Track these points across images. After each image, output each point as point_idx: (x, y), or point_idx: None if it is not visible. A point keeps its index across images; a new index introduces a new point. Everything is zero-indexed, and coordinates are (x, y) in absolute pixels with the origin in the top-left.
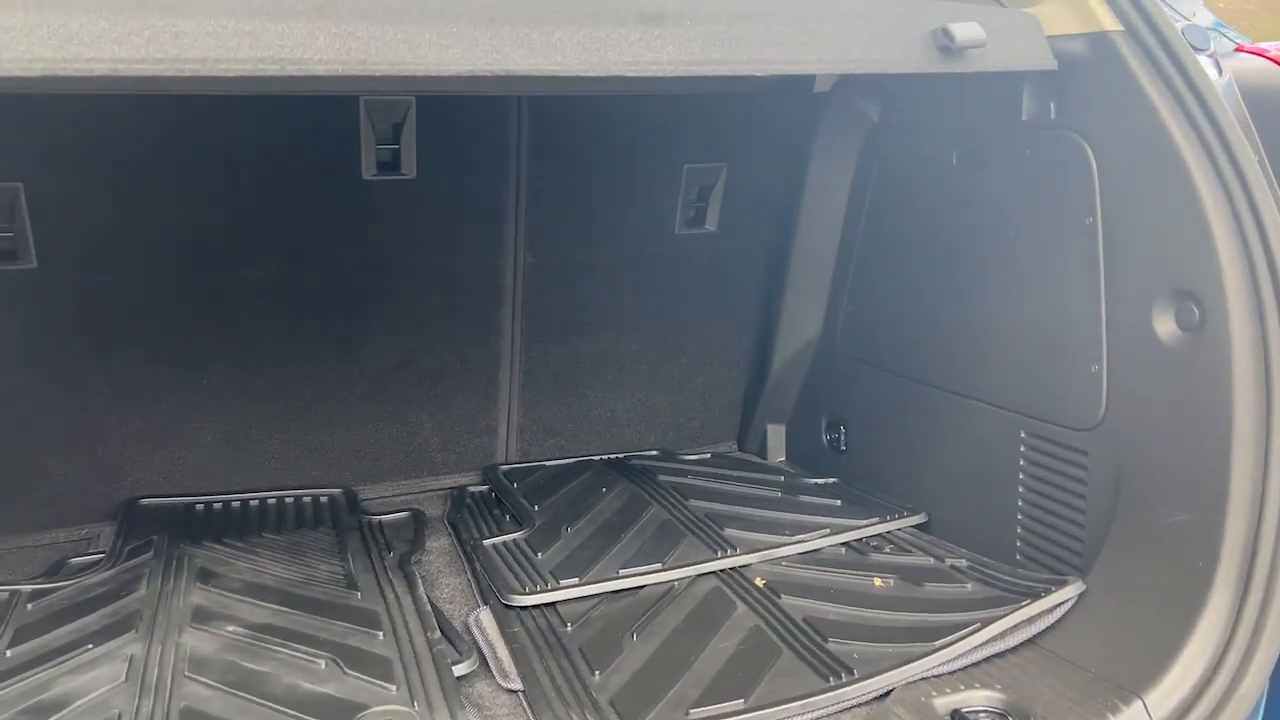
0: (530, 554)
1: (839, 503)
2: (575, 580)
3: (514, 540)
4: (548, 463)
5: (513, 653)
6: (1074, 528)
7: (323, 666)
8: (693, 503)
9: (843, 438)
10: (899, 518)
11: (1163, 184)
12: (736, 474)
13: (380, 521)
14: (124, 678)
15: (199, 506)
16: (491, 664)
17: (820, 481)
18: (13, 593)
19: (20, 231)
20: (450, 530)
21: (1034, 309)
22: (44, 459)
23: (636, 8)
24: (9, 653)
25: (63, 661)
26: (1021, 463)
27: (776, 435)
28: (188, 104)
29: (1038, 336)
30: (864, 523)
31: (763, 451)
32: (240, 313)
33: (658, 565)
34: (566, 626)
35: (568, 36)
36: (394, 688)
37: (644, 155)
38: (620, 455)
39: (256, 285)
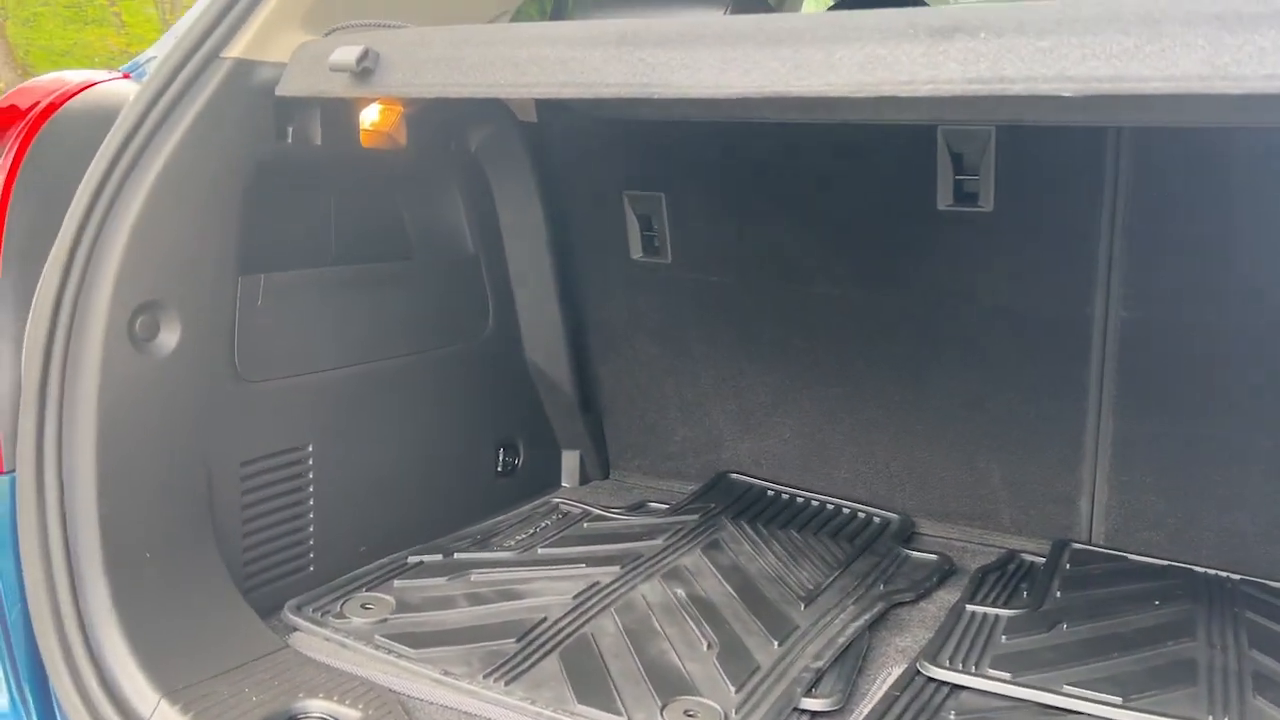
0: (994, 633)
1: None
2: (1006, 676)
3: (996, 614)
4: (1132, 556)
5: (877, 712)
6: None
7: (703, 648)
8: (1254, 654)
9: None
10: None
11: None
12: None
13: (904, 555)
14: (571, 597)
15: (770, 492)
16: (854, 714)
17: None
18: (585, 511)
19: (661, 232)
20: (966, 587)
21: None
22: (670, 422)
23: (933, 24)
24: (539, 551)
25: (552, 568)
26: None
27: None
28: (786, 133)
29: None
30: None
31: None
32: (818, 325)
33: (1116, 699)
34: (950, 714)
35: (848, 55)
36: (733, 689)
37: None
38: (1236, 576)
39: (833, 302)
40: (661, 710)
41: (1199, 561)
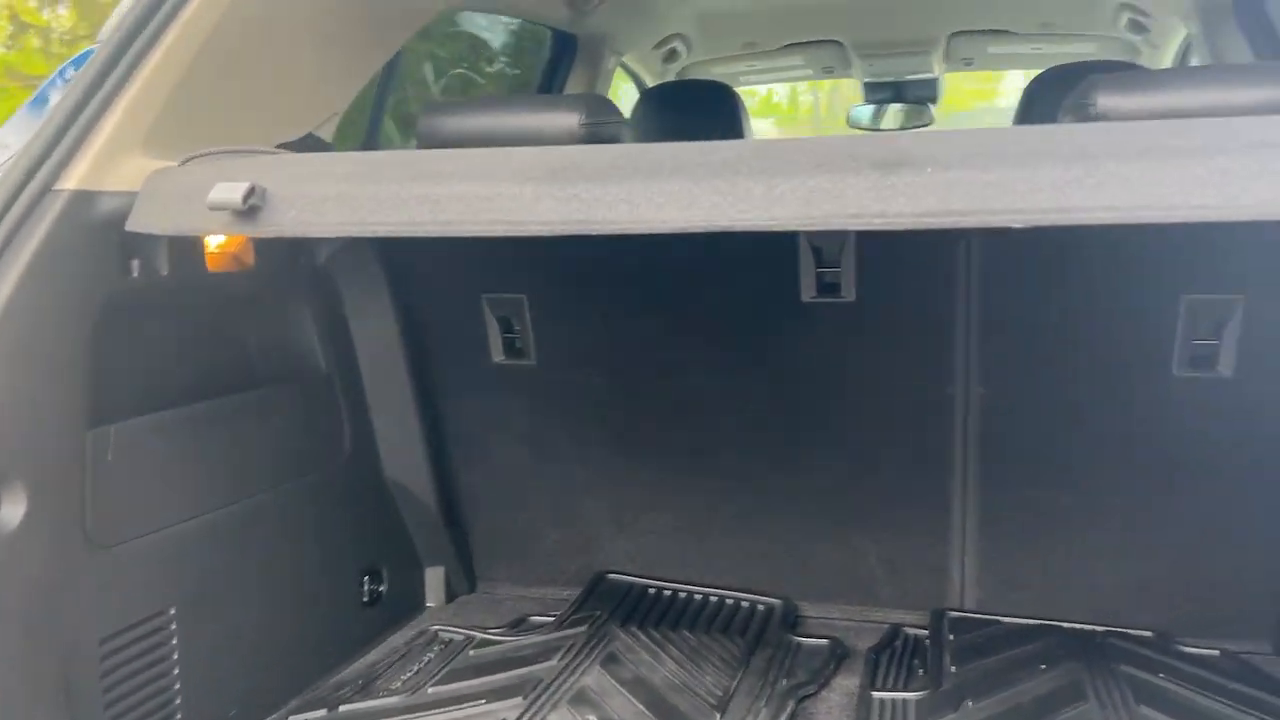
0: None
1: None
2: None
3: (903, 699)
4: (1005, 619)
5: None
6: None
7: None
8: (1143, 709)
9: None
10: None
11: None
12: (1234, 687)
13: (797, 644)
14: None
15: (651, 590)
16: None
17: None
18: (468, 637)
19: (524, 333)
20: (863, 670)
21: None
22: (540, 526)
23: (877, 157)
24: (430, 690)
25: (450, 709)
26: None
27: None
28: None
29: None
30: None
31: None
32: (692, 417)
33: None
34: None
35: (790, 189)
36: None
37: (1128, 283)
38: (1100, 629)
39: (705, 393)
40: None
41: (1066, 617)
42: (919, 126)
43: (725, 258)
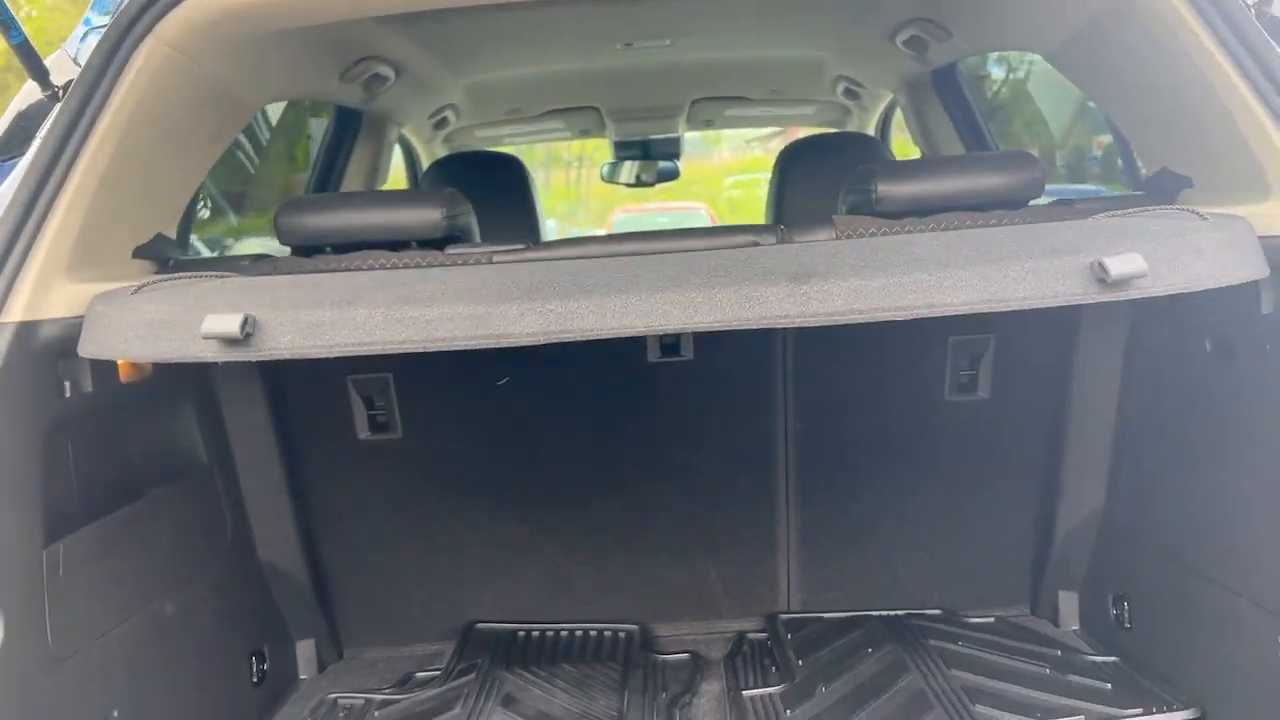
0: (779, 711)
1: (1109, 687)
2: None
3: (770, 694)
4: (826, 615)
5: None
6: None
7: None
8: (954, 672)
9: (1126, 615)
10: (1165, 711)
11: None
12: (1011, 644)
13: (663, 661)
14: None
15: (520, 633)
16: None
17: (1099, 660)
18: (368, 700)
19: (390, 410)
20: (724, 675)
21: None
22: (408, 588)
23: (788, 269)
24: None
25: None
26: None
27: (1069, 602)
28: None
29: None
30: (1123, 712)
31: (1055, 618)
32: (555, 473)
33: None
34: None
35: (728, 296)
36: None
37: (907, 329)
38: (901, 612)
39: (565, 450)
40: None
41: (873, 607)
42: (666, 179)
43: None
